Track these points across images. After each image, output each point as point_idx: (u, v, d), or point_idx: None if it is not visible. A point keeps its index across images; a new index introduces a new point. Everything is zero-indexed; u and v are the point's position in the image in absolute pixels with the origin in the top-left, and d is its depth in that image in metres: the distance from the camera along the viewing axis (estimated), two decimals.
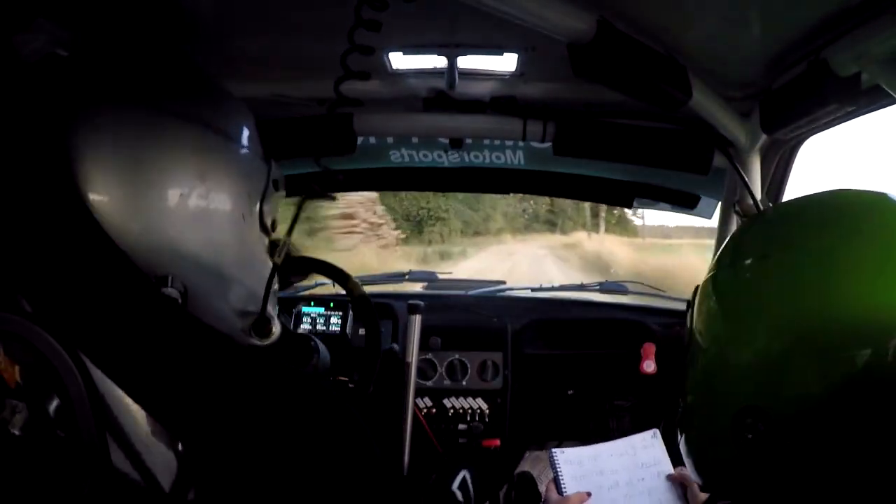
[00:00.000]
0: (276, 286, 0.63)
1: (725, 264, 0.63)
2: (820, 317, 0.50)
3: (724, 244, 0.67)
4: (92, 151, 0.51)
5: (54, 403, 0.46)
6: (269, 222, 0.63)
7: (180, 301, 0.53)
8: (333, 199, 0.67)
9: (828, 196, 0.61)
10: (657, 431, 1.11)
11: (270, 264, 0.62)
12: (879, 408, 0.46)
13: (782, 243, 0.58)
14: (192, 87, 0.59)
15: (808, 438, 0.50)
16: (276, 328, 0.60)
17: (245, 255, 0.60)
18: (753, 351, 0.54)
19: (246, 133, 0.61)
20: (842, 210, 0.57)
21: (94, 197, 0.50)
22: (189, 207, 0.54)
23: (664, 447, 1.08)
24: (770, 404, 0.53)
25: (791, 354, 0.51)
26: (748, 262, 0.60)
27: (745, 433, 0.53)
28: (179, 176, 0.54)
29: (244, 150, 0.60)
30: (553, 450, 1.04)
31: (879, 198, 0.57)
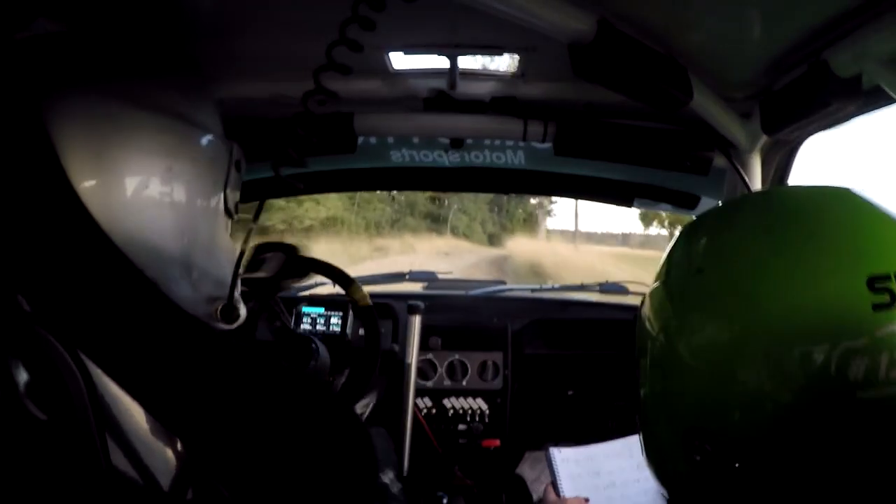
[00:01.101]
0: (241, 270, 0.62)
1: (671, 265, 0.57)
2: (773, 314, 0.46)
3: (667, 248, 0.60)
4: (61, 140, 0.49)
5: (23, 378, 0.44)
6: (232, 206, 0.62)
7: None
8: (301, 192, 0.67)
9: (787, 191, 0.57)
10: None
11: (236, 249, 0.61)
12: (842, 416, 0.43)
13: (722, 245, 0.53)
14: (157, 71, 0.57)
15: (761, 454, 0.47)
16: (243, 312, 0.60)
17: (211, 242, 0.60)
18: (695, 359, 0.50)
19: (209, 116, 0.60)
20: (800, 205, 0.52)
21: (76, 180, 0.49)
22: (154, 197, 0.53)
23: None
24: (717, 422, 0.48)
25: (741, 359, 0.47)
26: (692, 258, 0.55)
27: (694, 454, 0.50)
28: (144, 165, 0.52)
29: (208, 136, 0.59)
30: (551, 448, 1.04)
31: (835, 192, 0.53)
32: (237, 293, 0.61)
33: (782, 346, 0.45)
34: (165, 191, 0.54)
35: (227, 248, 0.63)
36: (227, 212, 0.62)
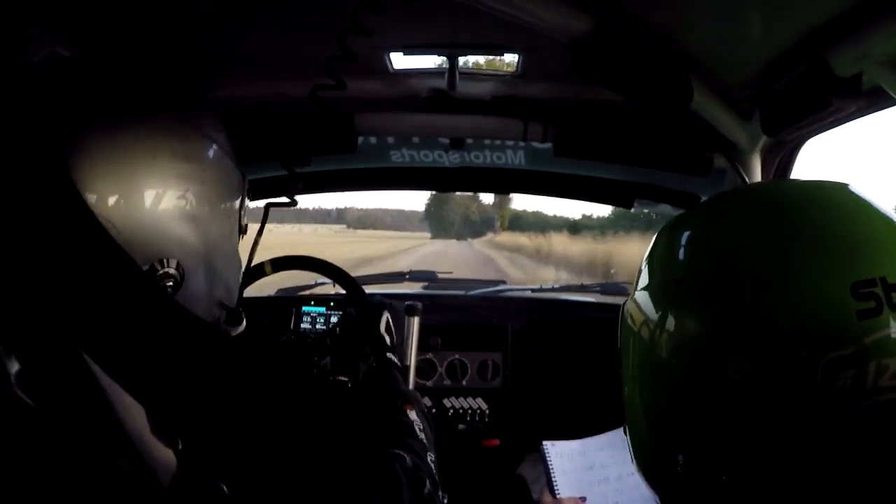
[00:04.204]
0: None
1: (653, 264, 0.54)
2: (758, 318, 0.43)
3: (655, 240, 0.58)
4: (94, 160, 0.53)
5: (15, 367, 0.45)
6: (243, 226, 0.71)
7: (180, 280, 0.57)
8: (294, 203, 0.75)
9: (766, 187, 0.53)
10: None
11: (243, 263, 0.71)
12: (829, 426, 0.41)
13: (708, 237, 0.50)
14: (182, 98, 0.62)
15: (745, 463, 0.45)
16: (244, 321, 0.70)
17: (230, 253, 0.68)
18: (678, 362, 0.47)
19: (227, 142, 0.66)
20: (790, 199, 0.49)
21: (92, 197, 0.52)
22: (189, 208, 0.59)
23: None
24: (699, 430, 0.46)
25: (723, 363, 0.44)
26: (674, 255, 0.52)
27: (676, 465, 0.48)
28: (176, 179, 0.58)
29: (229, 159, 0.66)
30: (544, 442, 1.04)
31: (830, 187, 0.50)
32: None
33: (766, 351, 0.42)
34: (200, 204, 0.60)
35: (239, 262, 0.71)
36: (241, 229, 0.70)
